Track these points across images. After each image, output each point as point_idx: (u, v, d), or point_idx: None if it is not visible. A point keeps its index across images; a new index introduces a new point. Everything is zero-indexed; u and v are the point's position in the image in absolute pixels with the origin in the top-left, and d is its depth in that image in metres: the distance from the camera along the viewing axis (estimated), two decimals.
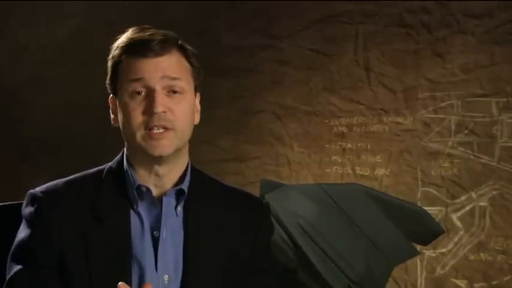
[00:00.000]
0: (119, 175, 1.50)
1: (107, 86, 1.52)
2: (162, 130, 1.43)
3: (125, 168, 1.50)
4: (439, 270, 3.36)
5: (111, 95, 1.52)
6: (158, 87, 1.43)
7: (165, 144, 1.44)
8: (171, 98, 1.45)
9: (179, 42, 1.50)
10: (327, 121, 3.63)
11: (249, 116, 3.80)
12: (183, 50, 1.49)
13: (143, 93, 1.44)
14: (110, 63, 1.49)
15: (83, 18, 4.27)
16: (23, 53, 4.45)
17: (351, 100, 3.59)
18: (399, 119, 3.49)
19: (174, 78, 1.45)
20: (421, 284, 3.38)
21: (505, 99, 3.30)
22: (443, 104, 3.40)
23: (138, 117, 1.43)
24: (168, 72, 1.45)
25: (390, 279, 3.16)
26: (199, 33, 3.85)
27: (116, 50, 1.48)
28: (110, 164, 1.55)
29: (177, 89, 1.45)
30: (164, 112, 1.42)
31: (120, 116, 1.48)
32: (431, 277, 3.37)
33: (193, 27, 3.84)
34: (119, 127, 1.51)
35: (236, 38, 3.84)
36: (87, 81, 4.07)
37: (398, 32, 3.50)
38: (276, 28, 3.78)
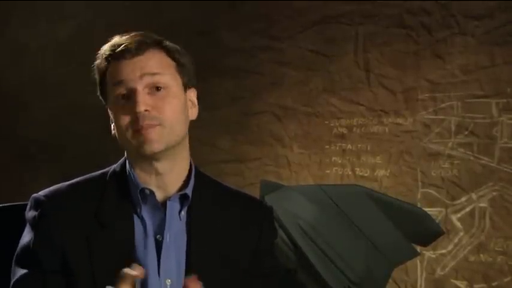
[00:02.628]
0: (123, 178, 1.50)
1: (100, 97, 1.53)
2: (149, 127, 1.42)
3: (127, 172, 1.50)
4: (439, 271, 3.36)
5: (105, 104, 1.52)
6: (139, 87, 1.42)
7: (154, 139, 1.42)
8: (155, 95, 1.44)
9: (162, 41, 1.49)
10: (327, 122, 3.63)
11: (249, 117, 3.80)
12: (163, 47, 1.48)
13: (126, 95, 1.44)
14: (96, 74, 1.50)
15: (83, 18, 4.27)
16: (23, 54, 4.45)
17: (351, 101, 3.59)
18: (399, 120, 3.49)
19: (155, 74, 1.44)
20: (421, 285, 3.38)
21: (505, 100, 3.30)
22: (443, 105, 3.40)
23: (124, 120, 1.43)
24: (147, 69, 1.44)
25: (390, 280, 3.16)
26: (199, 34, 3.85)
27: (98, 59, 1.49)
28: (114, 166, 1.54)
29: (160, 84, 1.44)
30: (147, 111, 1.41)
31: (113, 122, 1.48)
32: (431, 278, 3.37)
33: (194, 28, 3.84)
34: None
35: (236, 39, 3.84)
36: (87, 82, 4.06)
37: (398, 33, 3.50)
38: (276, 29, 3.78)
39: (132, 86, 1.43)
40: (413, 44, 3.47)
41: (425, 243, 3.06)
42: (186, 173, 1.52)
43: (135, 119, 1.41)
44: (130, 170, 1.49)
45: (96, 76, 1.51)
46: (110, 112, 1.50)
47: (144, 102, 1.41)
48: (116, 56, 1.44)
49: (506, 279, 3.25)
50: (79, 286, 1.41)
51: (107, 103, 1.50)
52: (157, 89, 1.44)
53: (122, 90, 1.44)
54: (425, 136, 3.43)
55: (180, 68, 1.49)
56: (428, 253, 3.36)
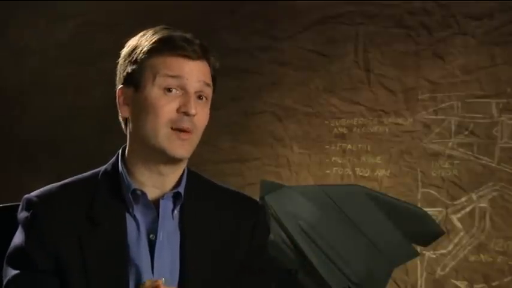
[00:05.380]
0: (114, 178, 1.50)
1: (124, 76, 1.48)
2: (187, 132, 1.44)
3: (120, 171, 1.50)
4: (439, 272, 3.36)
5: (122, 86, 1.48)
6: (192, 90, 1.44)
7: (187, 147, 1.45)
8: (198, 103, 1.46)
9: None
10: (327, 122, 3.63)
11: (249, 117, 3.80)
12: (211, 59, 1.51)
13: (176, 91, 1.43)
14: (139, 55, 1.45)
15: (83, 18, 4.27)
16: (23, 54, 4.45)
17: (351, 101, 3.59)
18: (399, 120, 3.49)
19: (207, 85, 1.48)
20: (421, 285, 3.38)
21: (505, 101, 3.30)
22: (443, 105, 3.40)
23: (167, 114, 1.42)
24: (205, 78, 1.47)
25: (390, 280, 3.16)
26: (199, 34, 3.84)
27: (152, 42, 1.45)
28: (105, 166, 1.54)
29: (205, 94, 1.48)
30: (194, 116, 1.44)
31: (138, 110, 1.45)
32: (432, 278, 3.37)
33: (194, 28, 3.83)
34: (122, 123, 1.51)
35: (236, 39, 3.84)
36: (87, 82, 4.07)
37: (399, 33, 3.50)
38: (276, 29, 3.78)
39: (188, 86, 1.44)
40: (413, 44, 3.47)
41: (425, 244, 3.06)
42: (181, 172, 1.52)
43: (178, 118, 1.42)
44: (123, 171, 1.49)
45: (137, 56, 1.45)
46: (130, 95, 1.46)
47: (195, 107, 1.43)
48: (178, 49, 1.44)
49: (506, 279, 3.25)
50: (72, 285, 1.41)
51: (136, 86, 1.45)
52: (200, 97, 1.47)
53: (173, 85, 1.43)
54: (426, 136, 3.43)
55: (214, 81, 1.53)
56: (428, 253, 3.36)
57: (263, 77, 3.79)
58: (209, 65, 1.50)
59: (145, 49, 1.45)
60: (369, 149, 3.54)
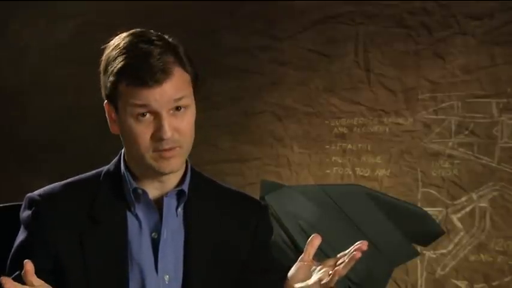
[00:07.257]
0: (116, 178, 1.50)
1: (103, 94, 1.48)
2: (171, 150, 1.42)
3: (122, 171, 1.50)
4: (439, 271, 3.36)
5: (106, 102, 1.48)
6: (164, 112, 1.40)
7: (176, 162, 1.44)
8: (176, 116, 1.42)
9: (177, 51, 1.44)
10: (327, 122, 3.63)
11: (249, 117, 3.80)
12: (180, 62, 1.44)
13: (148, 116, 1.41)
14: (109, 78, 1.43)
15: (83, 18, 4.27)
16: (23, 54, 4.45)
17: (351, 101, 3.59)
18: (399, 120, 3.49)
19: (179, 99, 1.42)
20: (421, 285, 3.38)
21: (505, 100, 3.30)
22: (443, 105, 3.40)
23: (145, 141, 1.41)
24: (173, 96, 1.41)
25: (390, 280, 3.16)
26: (199, 34, 3.84)
27: (115, 72, 1.41)
28: (107, 166, 1.54)
29: (182, 106, 1.43)
30: (172, 135, 1.41)
31: (123, 133, 1.46)
32: (432, 278, 3.37)
33: (194, 28, 3.84)
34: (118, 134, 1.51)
35: (236, 39, 3.84)
36: (87, 83, 4.06)
37: (399, 32, 3.50)
38: (276, 29, 3.77)
39: (158, 110, 1.40)
40: (413, 44, 3.47)
41: (425, 243, 3.06)
42: (183, 171, 1.52)
43: (158, 141, 1.40)
44: (125, 171, 1.49)
45: (108, 80, 1.44)
46: (114, 112, 1.46)
47: (170, 127, 1.40)
48: (137, 80, 1.39)
49: (506, 279, 3.25)
50: (72, 284, 1.42)
51: (115, 106, 1.45)
52: (178, 108, 1.43)
53: (143, 110, 1.40)
54: (426, 136, 3.43)
55: (193, 79, 1.47)
56: (428, 253, 3.36)
57: (263, 77, 3.79)
58: (184, 70, 1.44)
59: (111, 78, 1.42)
60: (369, 148, 3.54)
